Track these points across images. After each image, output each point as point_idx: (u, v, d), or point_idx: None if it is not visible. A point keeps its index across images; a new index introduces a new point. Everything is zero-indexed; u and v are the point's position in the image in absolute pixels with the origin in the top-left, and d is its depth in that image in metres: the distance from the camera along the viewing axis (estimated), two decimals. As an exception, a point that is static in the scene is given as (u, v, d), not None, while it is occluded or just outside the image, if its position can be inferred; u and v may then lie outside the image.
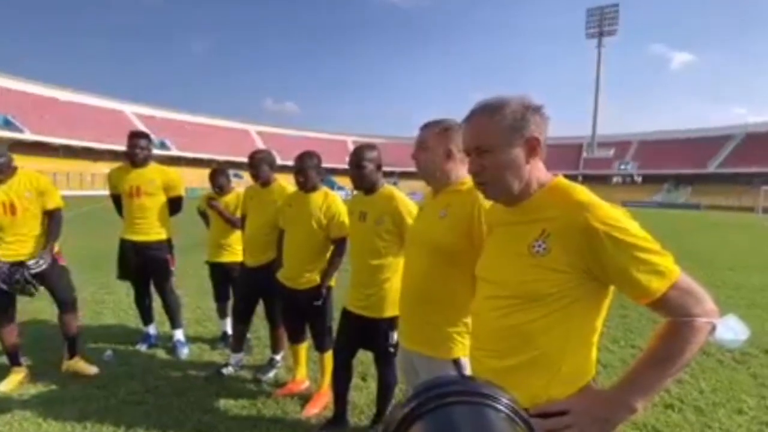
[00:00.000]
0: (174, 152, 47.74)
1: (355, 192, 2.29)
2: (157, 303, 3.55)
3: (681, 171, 52.74)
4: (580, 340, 0.97)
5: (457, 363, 1.50)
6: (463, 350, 1.48)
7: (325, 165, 2.69)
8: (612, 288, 0.95)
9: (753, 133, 52.69)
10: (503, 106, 0.99)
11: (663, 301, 0.87)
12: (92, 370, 2.96)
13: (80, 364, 2.97)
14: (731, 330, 0.85)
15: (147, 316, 3.57)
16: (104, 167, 35.37)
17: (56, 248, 2.90)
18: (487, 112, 1.01)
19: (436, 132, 1.55)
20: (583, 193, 0.95)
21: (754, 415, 2.65)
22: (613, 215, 0.89)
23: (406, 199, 2.12)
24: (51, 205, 2.84)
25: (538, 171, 1.02)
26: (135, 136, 3.28)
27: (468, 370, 1.27)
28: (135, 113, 53.79)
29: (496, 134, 0.98)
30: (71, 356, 2.98)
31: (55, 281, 2.86)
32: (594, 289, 0.93)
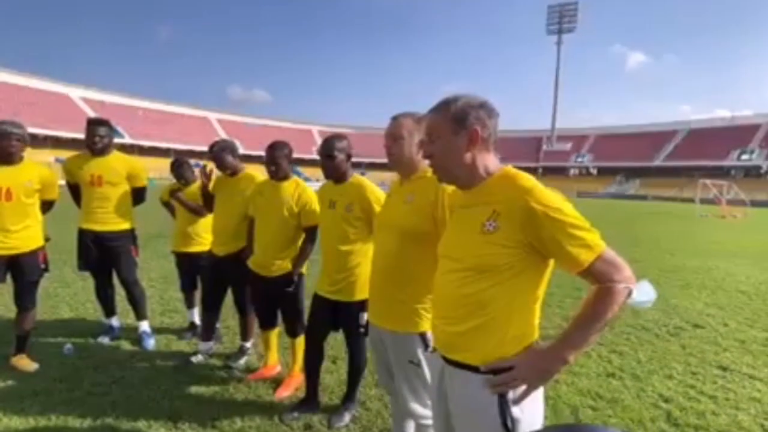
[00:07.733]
0: (127, 140, 45.06)
1: (324, 181, 2.36)
2: (119, 294, 3.47)
3: (631, 164, 56.14)
4: (524, 306, 1.13)
5: (423, 336, 1.64)
6: (428, 325, 1.59)
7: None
8: (551, 261, 1.11)
9: (696, 129, 56.90)
10: (450, 103, 1.18)
11: (590, 270, 1.03)
12: (33, 366, 2.86)
13: (23, 361, 2.88)
14: (644, 293, 1.03)
15: (109, 308, 3.49)
16: (47, 155, 32.84)
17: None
18: (437, 108, 1.21)
19: (411, 123, 1.65)
20: (526, 179, 1.11)
21: (681, 379, 3.02)
22: (550, 198, 1.04)
23: (375, 187, 2.21)
24: (48, 196, 2.97)
25: (485, 160, 1.18)
26: (93, 123, 3.15)
27: (432, 344, 1.40)
28: (82, 98, 50.21)
29: (441, 126, 1.18)
30: (18, 352, 2.90)
31: (29, 277, 2.84)
32: (536, 262, 1.09)
